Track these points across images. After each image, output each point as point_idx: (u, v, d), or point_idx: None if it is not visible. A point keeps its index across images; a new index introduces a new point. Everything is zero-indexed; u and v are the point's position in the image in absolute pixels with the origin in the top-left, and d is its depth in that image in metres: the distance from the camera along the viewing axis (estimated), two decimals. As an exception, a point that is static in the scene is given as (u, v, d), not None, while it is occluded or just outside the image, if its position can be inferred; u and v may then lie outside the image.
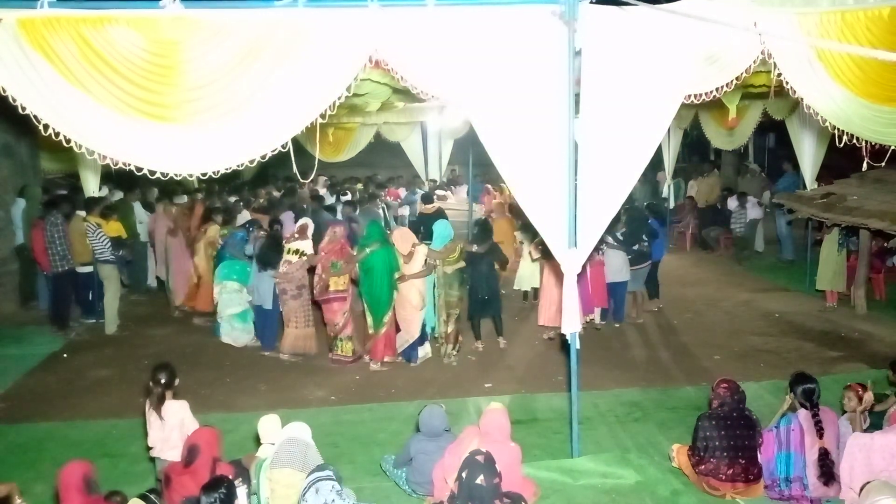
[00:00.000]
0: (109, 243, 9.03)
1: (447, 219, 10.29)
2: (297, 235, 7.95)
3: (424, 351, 7.89)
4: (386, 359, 7.69)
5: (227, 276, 8.34)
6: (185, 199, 10.55)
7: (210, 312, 9.11)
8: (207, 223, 9.36)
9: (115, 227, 9.51)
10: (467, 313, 8.17)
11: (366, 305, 7.64)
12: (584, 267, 7.89)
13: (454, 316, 7.84)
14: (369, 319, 7.61)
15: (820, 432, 4.67)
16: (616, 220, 8.20)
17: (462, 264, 7.84)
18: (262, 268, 7.96)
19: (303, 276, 7.86)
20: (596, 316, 8.72)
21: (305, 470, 4.16)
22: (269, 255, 7.97)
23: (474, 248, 8.02)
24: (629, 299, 9.24)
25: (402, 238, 7.77)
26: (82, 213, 9.19)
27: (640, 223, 9.11)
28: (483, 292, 8.07)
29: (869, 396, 5.22)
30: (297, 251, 7.80)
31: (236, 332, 8.41)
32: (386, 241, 7.63)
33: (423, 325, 7.77)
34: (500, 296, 8.48)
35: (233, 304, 8.33)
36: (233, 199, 11.09)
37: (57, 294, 9.13)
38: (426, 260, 7.64)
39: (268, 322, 8.21)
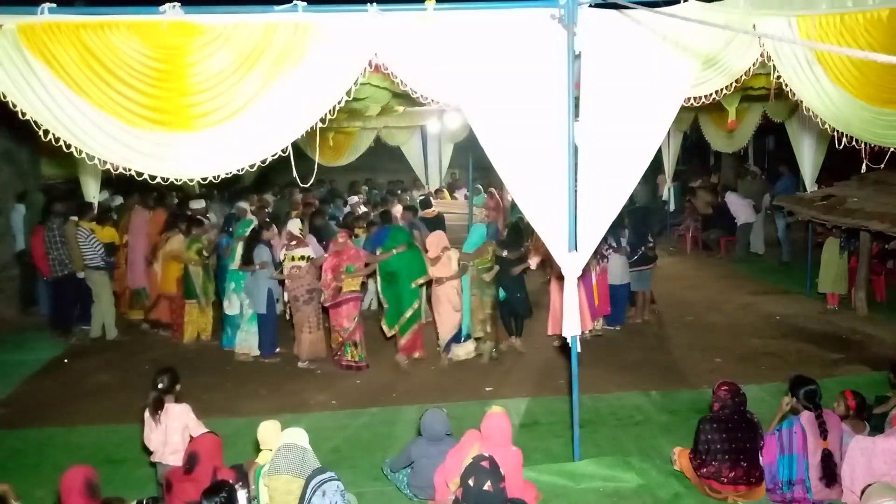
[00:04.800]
0: (102, 249, 8.95)
1: (444, 222, 10.33)
2: (293, 243, 7.87)
3: (466, 350, 7.96)
4: (416, 355, 7.89)
5: (231, 278, 8.19)
6: (202, 203, 10.31)
7: (166, 324, 9.05)
8: (170, 231, 8.89)
9: (108, 233, 9.45)
10: (499, 314, 8.25)
11: (386, 306, 7.81)
12: (590, 275, 8.16)
13: (493, 316, 8.00)
14: (384, 319, 7.83)
15: (824, 434, 4.67)
16: (618, 224, 8.23)
17: (496, 269, 7.95)
18: (243, 266, 7.92)
19: (312, 279, 7.85)
20: (598, 323, 8.72)
21: (303, 475, 4.15)
22: (245, 251, 7.93)
23: (505, 253, 8.07)
24: (636, 299, 9.28)
25: (436, 242, 7.81)
26: (75, 219, 9.13)
27: (644, 225, 9.15)
28: (511, 298, 8.14)
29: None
30: (302, 257, 7.79)
31: (252, 336, 8.14)
32: (412, 244, 7.78)
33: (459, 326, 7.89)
34: (528, 301, 8.46)
35: (247, 306, 8.15)
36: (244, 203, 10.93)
37: (57, 299, 9.13)
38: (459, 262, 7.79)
39: (264, 327, 8.11)
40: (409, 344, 7.85)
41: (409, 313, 7.73)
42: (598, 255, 8.33)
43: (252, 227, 8.33)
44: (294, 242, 7.89)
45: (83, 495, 3.93)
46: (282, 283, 8.09)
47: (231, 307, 8.18)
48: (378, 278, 7.93)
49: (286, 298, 8.08)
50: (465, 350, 7.98)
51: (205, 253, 8.69)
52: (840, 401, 5.20)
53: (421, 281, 7.69)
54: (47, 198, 10.24)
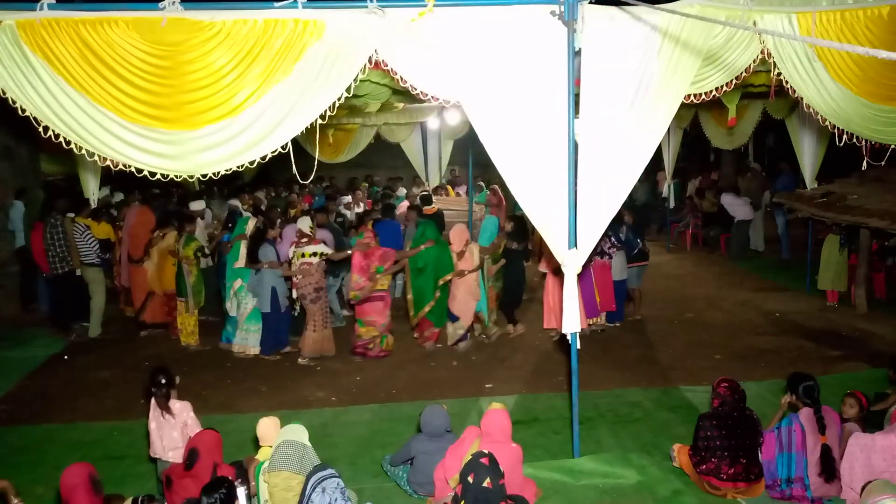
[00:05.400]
0: (97, 246, 8.94)
1: (444, 219, 10.38)
2: (304, 240, 7.88)
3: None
4: (438, 344, 8.25)
5: (233, 276, 8.09)
6: (202, 203, 10.12)
7: (160, 324, 8.97)
8: (165, 228, 8.76)
9: (104, 230, 9.42)
10: (498, 303, 8.85)
11: (412, 296, 8.08)
12: (589, 271, 8.30)
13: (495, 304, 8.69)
14: (412, 310, 8.12)
15: (822, 428, 4.68)
16: (618, 221, 8.32)
17: (503, 261, 8.53)
18: (249, 264, 7.89)
19: (321, 278, 7.90)
20: (600, 318, 8.79)
21: (303, 472, 4.16)
22: (251, 250, 7.92)
23: (514, 245, 8.53)
24: (632, 296, 9.32)
25: (459, 236, 8.16)
26: (72, 215, 9.11)
27: (641, 221, 9.24)
28: (511, 288, 8.68)
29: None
30: (314, 254, 7.82)
31: (251, 335, 8.08)
32: (440, 239, 8.10)
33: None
34: (522, 293, 9.07)
35: (246, 304, 8.06)
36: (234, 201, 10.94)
37: (56, 296, 9.12)
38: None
39: (267, 326, 8.06)
40: (435, 333, 8.19)
41: (427, 308, 7.96)
42: (601, 251, 8.45)
43: (256, 225, 8.27)
44: (305, 240, 7.91)
45: (89, 491, 3.93)
46: (287, 279, 8.08)
47: (230, 306, 8.13)
48: (406, 272, 8.22)
49: (295, 296, 8.03)
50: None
51: (206, 251, 8.65)
52: (852, 402, 5.17)
53: (449, 277, 7.94)
54: (47, 194, 10.23)
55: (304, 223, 8.11)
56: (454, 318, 8.14)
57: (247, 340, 8.11)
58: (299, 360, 7.90)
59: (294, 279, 7.87)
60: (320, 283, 7.90)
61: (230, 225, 9.21)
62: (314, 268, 7.80)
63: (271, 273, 7.89)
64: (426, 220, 8.83)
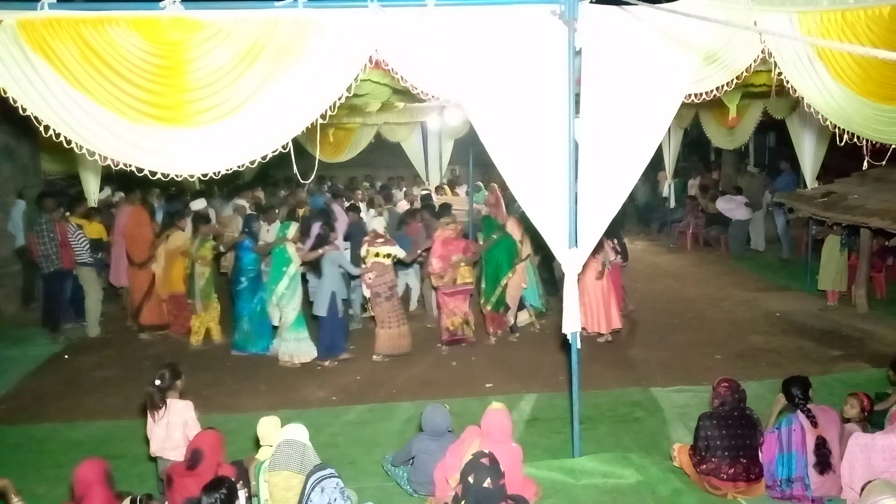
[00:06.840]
0: (88, 245, 8.91)
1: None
2: (380, 240, 7.88)
3: (524, 316, 8.91)
4: (499, 332, 8.54)
5: (276, 279, 7.79)
6: (203, 202, 10.10)
7: (159, 326, 8.90)
8: (170, 229, 8.72)
9: (96, 229, 9.40)
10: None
11: (484, 286, 8.39)
12: (617, 273, 8.55)
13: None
14: (482, 300, 8.44)
15: (813, 422, 4.68)
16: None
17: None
18: (311, 253, 7.84)
19: (393, 276, 8.06)
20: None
21: (303, 471, 4.16)
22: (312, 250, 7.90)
23: None
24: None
25: (517, 227, 8.56)
26: (67, 214, 9.06)
27: (620, 223, 9.51)
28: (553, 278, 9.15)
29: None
30: (388, 255, 7.88)
31: (301, 344, 7.82)
32: (505, 231, 8.49)
33: (522, 297, 8.77)
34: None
35: (291, 308, 7.78)
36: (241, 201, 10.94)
37: (47, 295, 9.08)
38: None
39: (323, 330, 7.84)
40: (496, 323, 8.48)
41: (503, 281, 8.25)
42: (613, 251, 8.59)
43: (318, 232, 8.07)
44: (381, 240, 7.94)
45: (105, 487, 3.93)
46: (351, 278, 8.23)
47: (273, 314, 7.97)
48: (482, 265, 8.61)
49: (368, 294, 7.96)
50: (522, 317, 8.87)
51: (221, 248, 8.63)
52: (853, 402, 5.15)
53: (524, 256, 8.42)
54: (38, 193, 10.22)
55: (379, 223, 8.24)
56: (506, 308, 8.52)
57: (298, 349, 7.82)
58: (374, 356, 7.92)
59: (366, 278, 7.86)
60: (394, 282, 8.10)
61: (247, 229, 9.14)
62: (387, 267, 7.94)
63: (333, 277, 7.77)
64: (488, 216, 9.05)
